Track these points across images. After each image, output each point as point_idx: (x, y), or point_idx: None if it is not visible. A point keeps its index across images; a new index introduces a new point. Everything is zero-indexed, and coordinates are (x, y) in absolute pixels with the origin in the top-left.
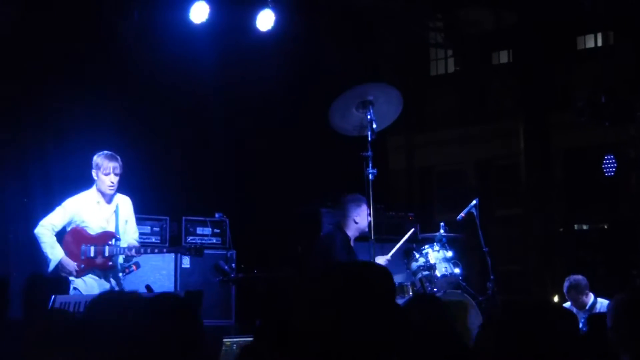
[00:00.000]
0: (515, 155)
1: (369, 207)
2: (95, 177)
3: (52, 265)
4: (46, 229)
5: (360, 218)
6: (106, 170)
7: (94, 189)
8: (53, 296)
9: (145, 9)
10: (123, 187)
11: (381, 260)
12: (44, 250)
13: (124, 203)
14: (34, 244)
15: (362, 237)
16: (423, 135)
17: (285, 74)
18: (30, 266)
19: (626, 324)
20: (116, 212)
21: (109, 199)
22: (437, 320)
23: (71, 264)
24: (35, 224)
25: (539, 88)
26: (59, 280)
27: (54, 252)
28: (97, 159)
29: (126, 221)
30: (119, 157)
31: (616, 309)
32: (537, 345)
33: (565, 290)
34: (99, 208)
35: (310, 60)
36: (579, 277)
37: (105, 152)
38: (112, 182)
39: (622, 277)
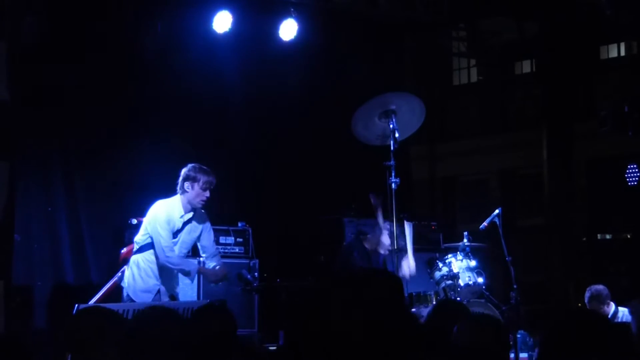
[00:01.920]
0: (538, 165)
1: (391, 219)
2: (187, 189)
3: (193, 276)
4: (171, 254)
5: (383, 239)
6: (205, 185)
7: (178, 198)
8: (77, 305)
9: (168, 20)
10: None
11: (411, 261)
12: (184, 271)
13: (198, 218)
14: (58, 254)
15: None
16: (446, 145)
17: (308, 83)
18: (54, 276)
19: None
20: (184, 223)
21: (187, 211)
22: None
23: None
24: (58, 233)
25: (561, 98)
26: (82, 288)
27: (189, 265)
28: (194, 172)
29: (196, 236)
30: None
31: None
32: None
33: (586, 300)
34: (180, 221)
35: (333, 69)
36: (600, 287)
37: (201, 165)
38: (208, 197)
39: None
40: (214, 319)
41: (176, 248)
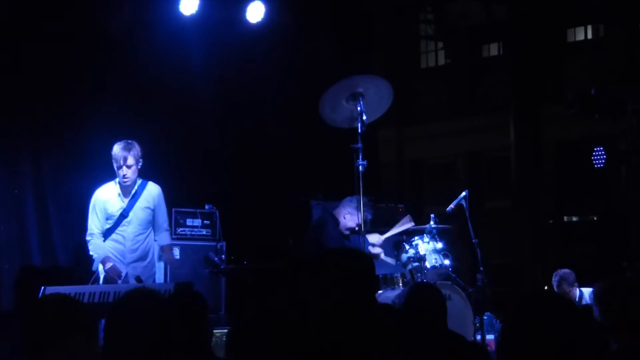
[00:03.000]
0: (506, 148)
1: (359, 200)
2: None
3: (95, 264)
4: (90, 236)
5: (350, 217)
6: (117, 162)
7: (117, 179)
8: (42, 287)
9: (135, 2)
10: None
11: (375, 238)
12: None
13: (148, 193)
14: (25, 236)
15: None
16: (413, 128)
17: (275, 66)
18: (21, 258)
19: (612, 311)
20: (131, 201)
21: (128, 190)
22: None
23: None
24: (25, 215)
25: (529, 80)
26: (49, 271)
27: (98, 251)
28: (113, 149)
29: (151, 210)
30: (134, 145)
31: (600, 296)
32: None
33: (555, 284)
34: (119, 200)
35: (301, 52)
36: (567, 270)
37: (121, 141)
38: (125, 175)
39: (612, 269)
40: (187, 301)
41: (130, 227)
